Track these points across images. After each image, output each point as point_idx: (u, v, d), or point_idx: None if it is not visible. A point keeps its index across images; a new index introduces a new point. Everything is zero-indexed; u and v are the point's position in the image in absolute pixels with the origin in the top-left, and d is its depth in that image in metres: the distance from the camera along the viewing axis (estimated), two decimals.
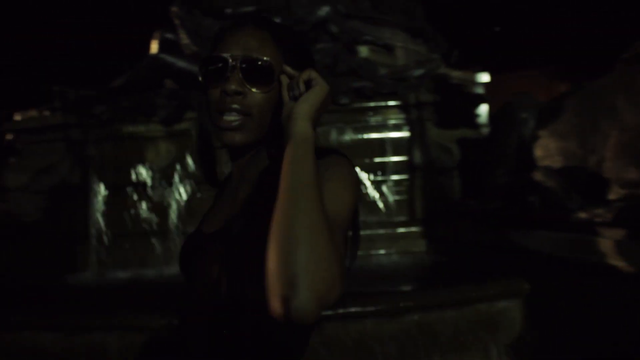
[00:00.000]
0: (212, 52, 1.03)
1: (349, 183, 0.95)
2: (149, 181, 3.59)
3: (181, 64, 3.55)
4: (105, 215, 3.65)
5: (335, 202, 0.89)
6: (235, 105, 0.98)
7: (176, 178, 3.54)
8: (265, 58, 0.99)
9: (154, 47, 3.84)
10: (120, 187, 3.63)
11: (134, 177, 3.61)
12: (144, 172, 3.61)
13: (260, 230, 0.87)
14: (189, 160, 3.56)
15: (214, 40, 1.06)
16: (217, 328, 0.98)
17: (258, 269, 0.84)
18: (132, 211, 3.61)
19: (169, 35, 3.90)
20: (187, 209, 3.56)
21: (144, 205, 3.61)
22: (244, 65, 0.98)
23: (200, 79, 1.03)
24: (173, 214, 3.56)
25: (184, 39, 3.76)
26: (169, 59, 3.57)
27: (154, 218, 3.59)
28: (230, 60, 0.99)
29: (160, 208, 3.61)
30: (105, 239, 3.65)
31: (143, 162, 3.62)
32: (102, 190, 3.65)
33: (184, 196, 3.55)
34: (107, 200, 3.65)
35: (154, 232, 3.60)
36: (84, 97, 3.71)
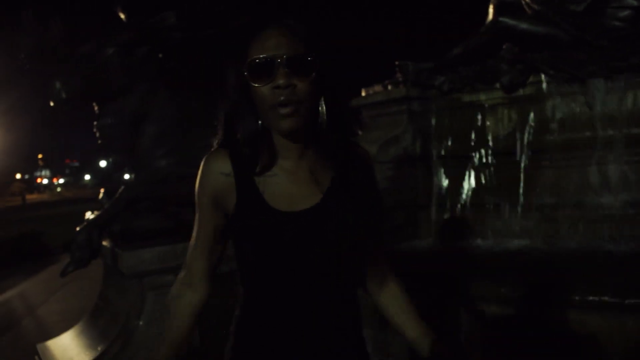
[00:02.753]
0: (253, 55, 1.20)
1: None
2: (489, 150, 3.71)
3: (523, 25, 3.53)
4: (445, 184, 3.92)
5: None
6: (287, 97, 1.17)
7: (517, 147, 3.57)
8: (304, 52, 1.19)
9: (492, 11, 3.89)
10: (460, 156, 3.83)
11: (473, 146, 3.78)
12: (483, 141, 3.74)
13: (355, 205, 1.24)
14: (531, 128, 3.55)
15: (244, 46, 1.23)
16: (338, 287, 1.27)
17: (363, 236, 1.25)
18: (472, 181, 3.79)
19: None
20: (527, 179, 3.56)
21: (483, 175, 3.75)
22: (288, 62, 1.17)
23: (247, 80, 1.21)
24: (514, 185, 3.61)
25: None
26: (510, 21, 3.59)
27: (493, 188, 3.71)
28: (276, 59, 1.17)
29: (500, 178, 3.70)
30: (444, 208, 3.93)
31: (483, 130, 3.75)
32: (442, 159, 3.92)
33: (524, 165, 3.56)
34: (447, 170, 3.91)
35: (493, 203, 3.72)
36: (423, 69, 4.01)
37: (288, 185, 1.28)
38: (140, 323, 3.21)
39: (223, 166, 1.28)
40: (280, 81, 1.17)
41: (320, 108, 1.26)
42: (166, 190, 3.45)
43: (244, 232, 1.27)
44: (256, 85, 1.20)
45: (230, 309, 1.42)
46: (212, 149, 1.32)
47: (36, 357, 3.50)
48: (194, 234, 1.36)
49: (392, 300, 1.43)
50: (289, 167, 1.29)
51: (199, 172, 1.32)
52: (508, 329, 2.60)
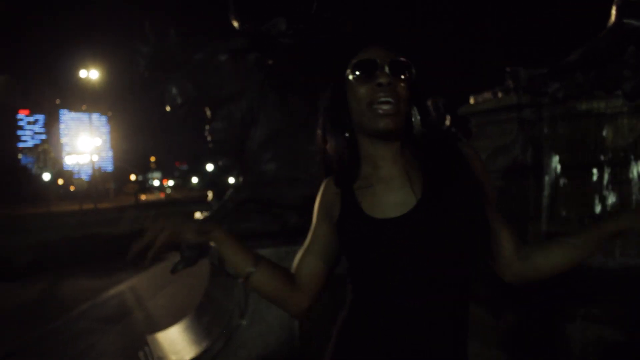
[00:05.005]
0: (359, 60, 1.29)
1: None
2: (607, 161, 3.47)
3: None
4: (557, 196, 3.72)
5: None
6: (387, 95, 1.24)
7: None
8: (403, 58, 1.29)
9: (614, 12, 3.65)
10: (575, 167, 3.61)
11: (589, 157, 3.55)
12: (601, 152, 3.50)
13: (452, 209, 1.22)
14: None
15: (348, 56, 1.33)
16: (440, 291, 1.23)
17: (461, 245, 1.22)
18: (587, 193, 3.56)
19: None
20: None
21: (600, 187, 3.51)
22: (391, 64, 1.27)
23: (350, 79, 1.30)
24: (633, 199, 3.36)
25: None
26: (636, 23, 3.34)
27: (611, 201, 3.46)
28: (379, 61, 1.27)
29: (617, 192, 3.45)
30: (556, 221, 3.72)
31: (600, 140, 3.51)
32: (555, 170, 3.72)
33: None
34: (560, 181, 3.70)
35: (608, 217, 3.47)
36: (536, 75, 3.82)
37: (384, 193, 1.31)
38: (243, 322, 3.28)
39: (334, 185, 1.39)
40: (383, 79, 1.26)
41: (412, 118, 1.32)
42: (272, 193, 3.53)
43: (346, 240, 1.32)
44: (357, 84, 1.29)
45: (330, 312, 1.43)
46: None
47: (146, 348, 3.68)
48: (307, 240, 1.45)
49: (541, 255, 1.36)
50: (384, 175, 1.33)
51: (320, 188, 1.44)
52: (625, 355, 2.41)
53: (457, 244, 1.23)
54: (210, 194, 4.03)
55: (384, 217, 1.26)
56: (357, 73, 1.30)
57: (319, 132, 1.41)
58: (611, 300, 2.56)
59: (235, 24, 3.65)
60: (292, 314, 1.45)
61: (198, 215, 3.96)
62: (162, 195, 75.95)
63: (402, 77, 1.28)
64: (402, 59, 1.30)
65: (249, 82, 3.60)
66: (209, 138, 3.71)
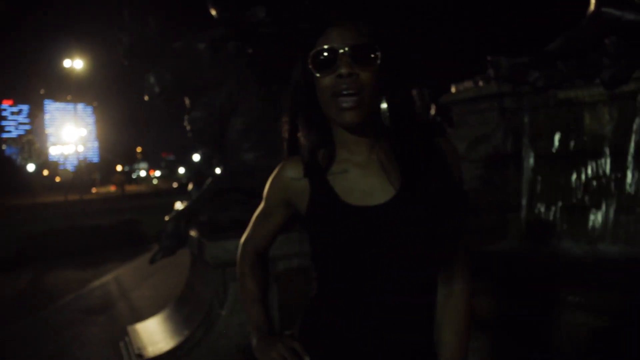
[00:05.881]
0: (317, 47, 1.19)
1: None
2: (587, 149, 3.49)
3: (629, 16, 3.28)
4: (537, 184, 3.73)
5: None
6: (349, 86, 1.15)
7: (619, 147, 3.34)
8: (367, 42, 1.17)
9: (593, 1, 3.65)
10: (554, 156, 3.63)
11: (569, 145, 3.56)
12: (580, 140, 3.52)
13: (431, 202, 1.19)
14: (637, 127, 3.29)
15: (310, 37, 1.22)
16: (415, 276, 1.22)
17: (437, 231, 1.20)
18: (566, 182, 3.57)
19: None
20: (630, 181, 3.32)
21: (579, 176, 3.53)
22: (352, 51, 1.16)
23: (312, 70, 1.19)
24: (613, 187, 3.38)
25: None
26: (614, 12, 3.34)
27: (591, 190, 3.48)
28: (339, 50, 1.16)
29: (597, 180, 3.47)
30: (536, 209, 3.73)
31: (580, 129, 3.52)
32: (534, 159, 3.73)
33: (630, 167, 3.32)
34: (540, 170, 3.71)
35: (588, 205, 3.49)
36: (517, 64, 3.82)
37: (360, 180, 1.25)
38: (223, 312, 3.27)
39: (294, 173, 1.31)
40: (343, 70, 1.16)
41: (382, 103, 1.24)
42: (252, 183, 3.49)
43: (318, 227, 1.25)
44: (319, 75, 1.19)
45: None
46: (285, 156, 1.36)
47: (126, 338, 3.66)
48: (257, 218, 1.48)
49: (445, 305, 1.32)
50: (360, 162, 1.27)
51: (274, 173, 1.37)
52: (601, 342, 2.43)
53: (432, 239, 1.21)
54: (189, 185, 4.00)
55: (360, 205, 1.22)
56: (317, 64, 1.19)
57: (286, 119, 1.34)
58: (595, 289, 2.58)
59: (214, 12, 3.60)
60: None
61: (178, 205, 3.93)
62: (112, 188, 62.88)
63: (366, 62, 1.17)
64: (366, 40, 1.18)
65: (229, 71, 3.57)
66: (188, 127, 3.68)
